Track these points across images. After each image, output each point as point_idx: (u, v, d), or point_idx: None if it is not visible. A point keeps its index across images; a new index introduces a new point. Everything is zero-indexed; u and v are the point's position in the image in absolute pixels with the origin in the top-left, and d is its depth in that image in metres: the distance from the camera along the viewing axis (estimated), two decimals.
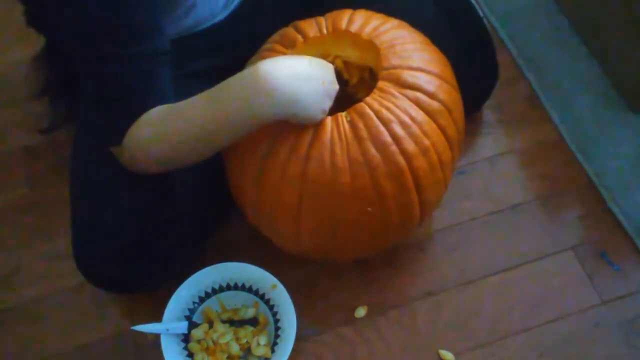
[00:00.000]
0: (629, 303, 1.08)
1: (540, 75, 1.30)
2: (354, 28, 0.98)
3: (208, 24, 1.11)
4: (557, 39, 1.34)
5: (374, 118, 0.90)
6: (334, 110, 0.92)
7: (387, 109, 0.91)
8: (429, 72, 0.95)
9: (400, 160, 0.91)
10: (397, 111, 0.91)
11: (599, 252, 1.12)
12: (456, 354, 1.04)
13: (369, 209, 0.91)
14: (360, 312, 1.08)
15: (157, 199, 0.99)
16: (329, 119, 0.91)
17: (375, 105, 0.91)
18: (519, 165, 1.22)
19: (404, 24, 1.01)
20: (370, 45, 0.97)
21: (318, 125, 0.91)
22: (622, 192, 1.16)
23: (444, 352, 1.04)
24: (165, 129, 0.88)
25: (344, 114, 0.92)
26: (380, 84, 0.93)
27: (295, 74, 0.86)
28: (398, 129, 0.91)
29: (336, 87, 0.92)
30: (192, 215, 1.03)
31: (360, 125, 0.90)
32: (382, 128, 0.90)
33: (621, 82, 1.26)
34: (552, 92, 1.28)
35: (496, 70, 1.21)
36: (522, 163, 1.22)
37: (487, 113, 1.26)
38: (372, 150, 0.90)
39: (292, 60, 0.89)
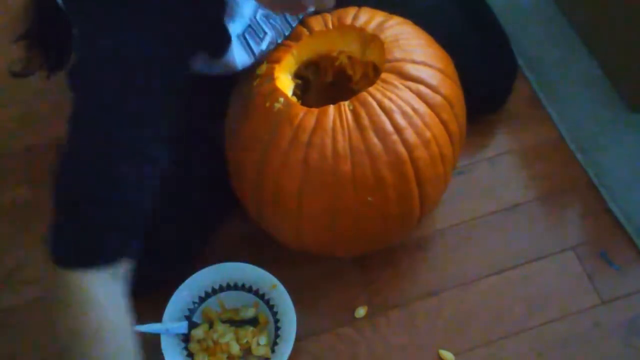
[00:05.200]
0: (628, 303, 1.08)
1: (540, 75, 1.30)
2: (359, 23, 1.00)
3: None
4: (557, 39, 1.34)
5: (376, 107, 0.91)
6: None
7: (390, 99, 0.92)
8: (431, 67, 0.96)
9: (402, 150, 0.91)
10: (400, 102, 0.92)
11: (599, 252, 1.12)
12: (456, 354, 1.04)
13: (369, 198, 0.92)
14: (360, 312, 1.08)
15: (156, 199, 0.98)
16: (331, 107, 0.92)
17: (378, 95, 0.92)
18: (519, 165, 1.22)
19: (407, 21, 1.02)
20: (374, 40, 0.98)
21: (320, 113, 0.91)
22: (622, 192, 1.16)
23: (444, 352, 1.04)
24: None
25: (346, 102, 0.92)
26: (384, 75, 0.94)
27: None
28: (400, 119, 0.91)
29: None
30: (192, 215, 1.03)
31: (363, 113, 0.91)
32: (384, 117, 0.91)
33: (621, 82, 1.26)
34: (552, 92, 1.28)
35: (515, 68, 1.22)
36: (522, 163, 1.22)
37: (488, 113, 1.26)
38: (374, 139, 0.90)
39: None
